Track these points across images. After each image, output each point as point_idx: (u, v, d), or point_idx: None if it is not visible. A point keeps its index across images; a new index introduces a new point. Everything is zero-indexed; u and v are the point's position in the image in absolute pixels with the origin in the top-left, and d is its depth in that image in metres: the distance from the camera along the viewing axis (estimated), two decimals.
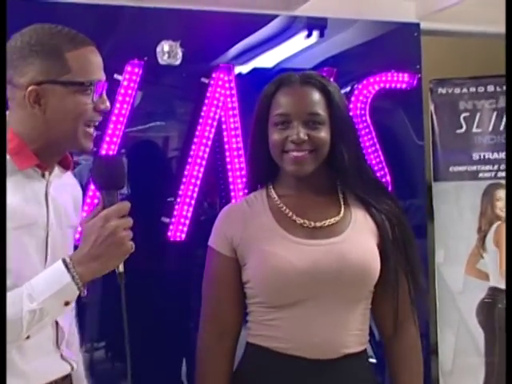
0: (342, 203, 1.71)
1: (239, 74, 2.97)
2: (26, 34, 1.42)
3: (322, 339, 1.62)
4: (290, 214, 1.67)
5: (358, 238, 1.67)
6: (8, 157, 1.39)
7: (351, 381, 1.67)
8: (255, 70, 3.06)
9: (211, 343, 1.72)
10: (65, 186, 1.56)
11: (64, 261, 1.35)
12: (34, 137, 1.42)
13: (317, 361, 1.62)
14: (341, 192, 1.73)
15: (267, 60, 3.10)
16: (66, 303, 1.36)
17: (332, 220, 1.67)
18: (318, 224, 1.66)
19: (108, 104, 1.46)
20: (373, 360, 3.22)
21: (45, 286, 1.34)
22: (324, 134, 1.66)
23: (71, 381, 1.57)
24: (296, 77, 1.69)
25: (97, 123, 1.47)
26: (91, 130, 1.45)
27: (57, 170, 1.50)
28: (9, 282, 1.34)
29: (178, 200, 2.81)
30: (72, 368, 1.55)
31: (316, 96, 1.66)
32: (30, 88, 1.39)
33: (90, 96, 1.42)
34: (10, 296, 1.32)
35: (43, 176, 1.46)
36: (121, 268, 1.40)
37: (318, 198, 1.71)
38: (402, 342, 1.75)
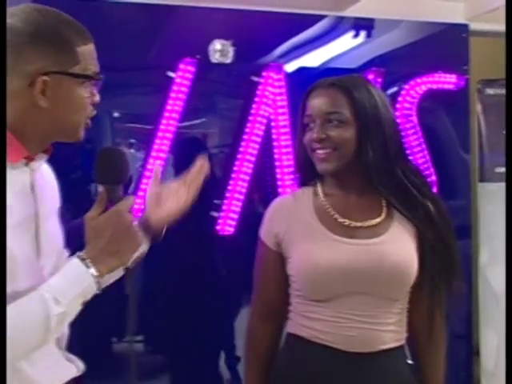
0: (383, 205, 1.74)
1: (288, 73, 3.02)
2: (31, 16, 1.32)
3: (358, 333, 1.66)
4: (333, 212, 1.73)
5: (398, 240, 1.70)
6: None
7: (387, 375, 1.70)
8: (303, 69, 3.11)
9: (257, 326, 1.82)
10: (43, 171, 1.48)
11: (82, 259, 1.31)
12: (28, 129, 1.33)
13: (353, 354, 1.67)
14: (385, 191, 1.74)
15: (315, 59, 3.16)
16: (83, 302, 1.33)
17: (373, 221, 1.71)
18: (359, 224, 1.70)
19: (98, 98, 1.39)
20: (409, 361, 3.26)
21: (67, 287, 1.29)
22: (346, 133, 1.70)
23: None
24: (327, 81, 1.74)
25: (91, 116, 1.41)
26: (88, 121, 1.39)
27: (39, 157, 1.41)
28: (7, 288, 1.25)
29: (228, 195, 2.88)
30: (78, 369, 1.49)
31: (337, 97, 1.70)
32: (41, 78, 1.29)
33: (89, 90, 1.36)
34: (27, 301, 1.26)
35: (26, 165, 1.37)
36: (130, 263, 1.39)
37: (360, 198, 1.75)
38: (436, 341, 1.80)
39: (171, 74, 2.83)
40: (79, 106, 1.34)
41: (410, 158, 2.91)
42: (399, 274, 1.67)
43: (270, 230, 1.78)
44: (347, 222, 1.70)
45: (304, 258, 1.69)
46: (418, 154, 3.10)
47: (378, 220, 1.71)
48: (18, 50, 1.28)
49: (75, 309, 1.31)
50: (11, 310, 1.22)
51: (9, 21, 1.30)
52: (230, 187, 2.89)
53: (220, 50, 2.89)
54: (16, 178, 1.32)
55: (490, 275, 3.43)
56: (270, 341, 1.82)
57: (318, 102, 1.72)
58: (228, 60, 2.91)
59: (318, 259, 1.67)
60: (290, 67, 3.06)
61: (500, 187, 3.41)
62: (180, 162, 2.91)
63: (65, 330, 1.45)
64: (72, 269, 1.31)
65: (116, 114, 2.91)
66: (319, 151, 1.70)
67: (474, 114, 3.34)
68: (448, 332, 3.39)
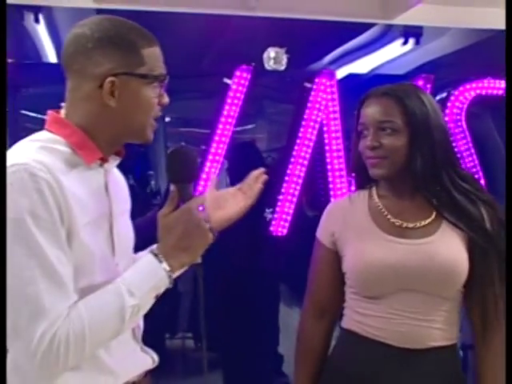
0: (432, 204, 1.78)
1: (339, 79, 3.12)
2: (100, 24, 1.39)
3: (409, 329, 1.72)
4: (386, 213, 1.80)
5: (447, 240, 1.75)
6: (68, 150, 1.37)
7: (436, 372, 1.74)
8: (354, 75, 3.20)
9: (309, 323, 1.91)
10: (115, 173, 1.54)
11: (155, 254, 1.36)
12: (100, 129, 1.39)
13: (404, 349, 1.72)
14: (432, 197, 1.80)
15: (364, 66, 3.25)
16: (156, 296, 1.37)
17: (423, 222, 1.77)
18: (411, 225, 1.76)
19: (168, 99, 1.44)
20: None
21: (141, 280, 1.35)
22: (397, 141, 1.75)
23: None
24: (379, 90, 1.79)
25: (158, 117, 1.46)
26: (155, 123, 1.43)
27: (112, 159, 1.48)
28: (85, 281, 1.33)
29: (281, 197, 2.97)
30: (153, 361, 1.54)
31: (390, 105, 1.75)
32: (109, 79, 1.35)
33: (157, 91, 1.41)
34: (104, 293, 1.32)
35: (101, 166, 1.43)
36: (199, 259, 1.42)
37: (412, 201, 1.80)
38: (492, 341, 1.81)
39: (227, 81, 2.93)
40: (146, 105, 1.39)
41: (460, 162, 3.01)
42: (448, 272, 1.71)
43: (326, 229, 1.87)
44: (399, 222, 1.77)
45: (357, 256, 1.77)
46: (467, 158, 3.16)
47: (428, 221, 1.77)
48: (87, 55, 1.36)
49: (149, 301, 1.36)
50: (88, 302, 1.29)
51: (79, 30, 1.38)
52: (283, 190, 2.98)
53: (274, 58, 2.98)
54: (92, 178, 1.39)
55: None
56: (321, 338, 1.90)
57: (371, 111, 1.77)
58: (282, 67, 3.00)
59: (371, 257, 1.74)
60: (341, 73, 3.15)
61: None
62: (235, 165, 3.02)
63: (140, 323, 1.52)
64: (146, 263, 1.36)
65: (171, 119, 3.03)
66: (371, 159, 1.77)
67: None
68: None
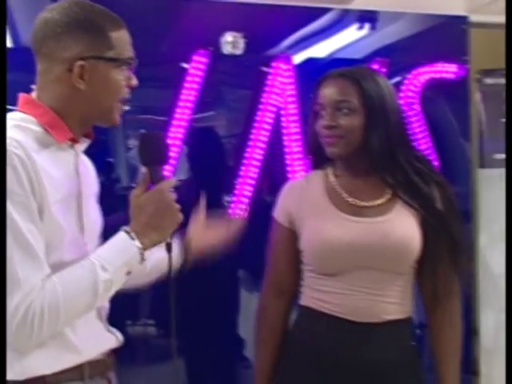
0: (388, 185, 1.84)
1: (296, 63, 3.13)
2: (68, 8, 1.42)
3: (366, 304, 1.79)
4: (342, 192, 1.85)
5: (401, 218, 1.81)
6: (40, 129, 1.40)
7: (392, 344, 1.82)
8: (311, 60, 3.21)
9: (268, 303, 1.97)
10: (84, 156, 1.59)
11: (127, 232, 1.41)
12: (70, 111, 1.43)
13: (362, 323, 1.79)
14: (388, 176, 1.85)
15: (322, 50, 3.26)
16: (128, 272, 1.43)
17: (379, 201, 1.83)
18: (366, 204, 1.83)
19: (136, 81, 1.49)
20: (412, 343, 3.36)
21: (114, 256, 1.39)
22: (354, 120, 1.80)
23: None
24: (336, 71, 1.87)
25: (126, 100, 1.51)
26: (123, 106, 1.49)
27: (82, 141, 1.52)
28: (54, 257, 1.36)
29: (240, 180, 2.99)
30: (117, 340, 1.58)
31: (347, 86, 1.82)
32: (78, 62, 1.39)
33: (125, 73, 1.46)
34: (78, 267, 1.36)
35: (71, 147, 1.47)
36: (169, 239, 1.49)
37: (367, 180, 1.86)
38: (442, 315, 1.91)
39: (185, 65, 2.93)
40: (115, 88, 1.44)
41: (415, 144, 3.05)
42: (403, 249, 1.79)
43: (283, 208, 1.92)
44: (355, 201, 1.83)
45: (314, 235, 1.83)
46: (421, 140, 3.20)
47: (383, 200, 1.84)
48: (56, 39, 1.40)
49: (121, 278, 1.42)
50: (62, 276, 1.33)
51: (48, 15, 1.42)
52: (241, 173, 3.00)
53: (231, 42, 2.99)
54: (63, 158, 1.45)
55: (489, 257, 3.55)
56: (281, 317, 1.96)
57: (328, 91, 1.83)
58: (239, 51, 3.01)
59: (327, 235, 1.80)
60: (298, 58, 3.17)
61: (499, 173, 3.51)
62: (193, 152, 3.03)
63: (105, 303, 1.56)
64: (118, 240, 1.42)
65: (129, 107, 3.01)
66: (328, 139, 1.83)
67: (473, 102, 3.44)
68: None
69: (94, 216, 1.55)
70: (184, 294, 3.05)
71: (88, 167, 1.60)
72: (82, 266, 1.37)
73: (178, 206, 1.45)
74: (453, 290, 1.89)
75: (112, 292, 1.42)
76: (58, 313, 1.30)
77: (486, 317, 3.57)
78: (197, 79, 2.92)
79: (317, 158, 1.95)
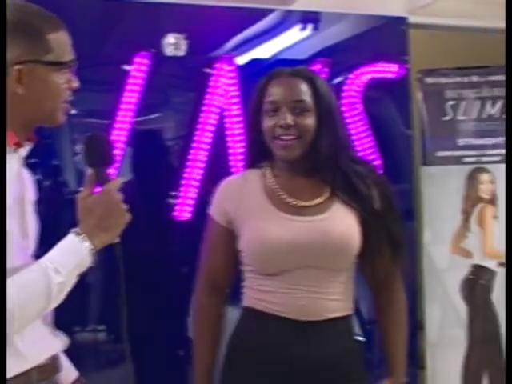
0: (327, 185, 1.84)
1: (239, 64, 3.14)
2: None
3: (308, 303, 1.78)
4: (281, 192, 1.83)
5: (341, 216, 1.81)
6: None
7: (335, 341, 1.82)
8: (254, 61, 3.23)
9: (203, 299, 1.94)
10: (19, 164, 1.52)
11: (77, 234, 1.39)
12: (12, 116, 1.38)
13: (304, 322, 1.78)
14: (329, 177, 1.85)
15: (265, 51, 3.28)
16: (79, 274, 1.41)
17: (317, 200, 1.82)
18: (305, 203, 1.81)
19: (77, 83, 1.46)
20: (361, 338, 3.38)
21: (65, 259, 1.37)
22: (309, 120, 1.79)
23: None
24: (286, 70, 1.85)
25: (69, 101, 1.48)
26: (67, 105, 1.46)
27: (26, 144, 1.47)
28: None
29: (184, 182, 2.99)
30: (63, 343, 1.55)
31: (302, 86, 1.80)
32: (15, 67, 1.36)
33: (66, 75, 1.43)
34: (29, 272, 1.33)
35: (15, 151, 1.43)
36: (118, 239, 1.47)
37: (307, 179, 1.84)
38: (386, 303, 1.93)
39: (126, 68, 2.91)
40: (55, 91, 1.41)
41: (356, 144, 3.10)
42: (343, 247, 1.78)
43: (221, 207, 1.88)
44: (295, 201, 1.81)
45: (254, 235, 1.81)
46: (365, 139, 3.23)
47: (322, 199, 1.82)
48: None
49: (72, 280, 1.39)
50: (14, 281, 1.30)
51: None
52: (186, 175, 2.99)
53: (173, 44, 2.98)
54: (8, 161, 1.37)
55: (433, 253, 3.59)
56: (216, 312, 1.94)
57: (283, 90, 1.80)
58: (181, 53, 3.00)
59: (268, 235, 1.77)
60: (242, 59, 3.18)
61: (441, 170, 3.56)
62: (138, 154, 3.02)
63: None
64: (69, 243, 1.39)
65: (74, 110, 2.97)
66: (284, 137, 1.78)
67: (415, 101, 3.49)
68: None
69: (33, 221, 1.52)
70: (130, 296, 3.06)
71: (27, 174, 1.55)
72: (34, 270, 1.35)
73: (125, 206, 1.44)
74: (394, 281, 1.91)
75: (64, 294, 1.40)
76: (13, 318, 1.28)
77: (430, 312, 3.61)
78: (139, 81, 2.91)
79: (255, 157, 1.93)
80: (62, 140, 2.94)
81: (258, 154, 1.90)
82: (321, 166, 1.82)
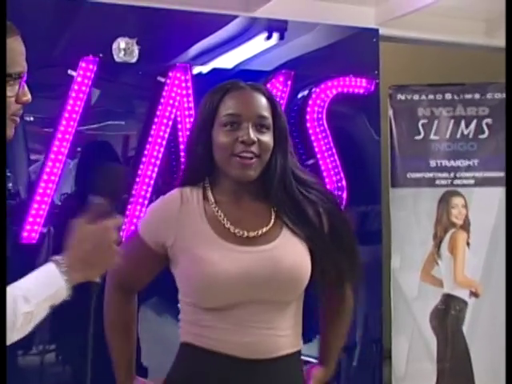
0: (273, 212, 1.71)
1: (197, 74, 2.96)
2: None
3: (255, 340, 1.64)
4: (225, 221, 1.68)
5: (289, 244, 1.69)
6: None
7: (284, 380, 1.69)
8: (213, 71, 3.04)
9: (114, 299, 1.78)
10: None
11: (58, 264, 1.32)
12: None
13: (249, 360, 1.64)
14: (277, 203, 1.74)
15: (226, 61, 3.10)
16: (51, 306, 1.33)
17: (264, 229, 1.68)
18: (252, 234, 1.68)
19: (29, 97, 1.34)
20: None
21: (38, 288, 1.31)
22: (268, 138, 1.68)
23: None
24: (244, 83, 1.72)
25: (19, 114, 1.38)
26: (16, 119, 1.35)
27: None
28: None
29: (132, 200, 2.77)
30: None
31: (264, 101, 1.70)
32: None
33: (14, 88, 1.31)
34: None
35: None
36: (98, 279, 1.42)
37: (253, 205, 1.72)
38: (333, 315, 1.85)
39: (72, 73, 2.70)
40: None
41: (320, 163, 2.93)
42: (293, 277, 1.66)
43: (153, 230, 1.70)
44: (240, 232, 1.67)
45: (196, 268, 1.64)
46: (328, 158, 3.08)
47: (269, 227, 1.69)
48: None
49: (43, 311, 1.31)
50: None
51: None
52: (134, 192, 2.77)
53: (124, 49, 2.78)
54: None
55: (402, 281, 3.45)
56: (124, 301, 1.79)
57: (245, 103, 1.67)
58: (133, 59, 2.81)
59: (211, 269, 1.62)
60: (200, 69, 3.00)
61: (412, 193, 3.45)
62: (82, 167, 2.79)
63: None
64: (46, 272, 1.32)
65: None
66: (245, 154, 1.64)
67: (385, 118, 3.34)
68: (360, 336, 3.41)
69: None
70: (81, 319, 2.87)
71: None
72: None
73: (117, 248, 1.38)
74: (342, 302, 1.83)
75: (32, 325, 1.32)
76: None
77: (398, 342, 3.46)
78: (84, 88, 2.69)
79: (196, 173, 1.74)
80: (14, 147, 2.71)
81: (200, 171, 1.73)
82: (272, 189, 1.69)
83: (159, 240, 1.69)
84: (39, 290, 1.30)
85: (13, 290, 1.27)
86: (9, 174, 2.77)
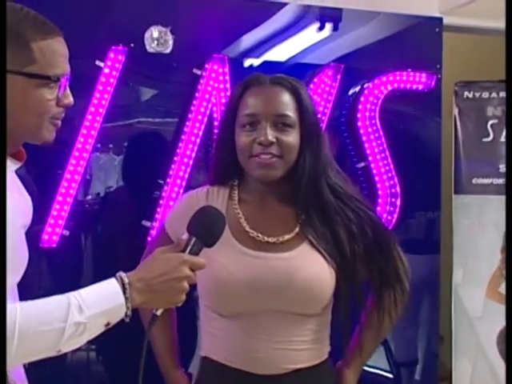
0: (299, 218, 1.66)
1: (236, 67, 2.74)
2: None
3: (266, 355, 1.61)
4: (245, 224, 1.65)
5: (308, 256, 1.63)
6: None
7: None
8: (263, 63, 2.84)
9: None
10: (16, 181, 1.44)
11: (121, 280, 1.30)
12: None
13: (265, 376, 1.61)
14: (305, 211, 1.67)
15: (273, 53, 2.88)
16: (107, 324, 1.30)
17: (286, 237, 1.64)
18: (271, 239, 1.64)
19: (72, 99, 1.35)
20: (389, 375, 3.00)
21: (95, 300, 1.28)
22: (292, 138, 1.62)
23: None
24: (265, 77, 1.68)
25: (61, 117, 1.37)
26: (57, 122, 1.35)
27: (9, 161, 1.36)
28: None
29: (161, 202, 2.59)
30: None
31: (286, 97, 1.64)
32: None
33: (54, 91, 1.31)
34: (50, 301, 1.26)
35: None
36: (159, 312, 1.37)
37: (278, 209, 1.67)
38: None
39: (100, 64, 2.53)
40: (37, 108, 1.30)
41: (372, 166, 2.69)
42: (309, 291, 1.60)
43: (175, 228, 1.69)
44: (259, 236, 1.64)
45: (208, 270, 1.53)
46: (381, 161, 2.84)
47: (290, 235, 1.64)
48: None
49: (97, 327, 1.28)
50: (27, 305, 1.24)
51: None
52: (164, 194, 2.59)
53: (157, 39, 2.60)
54: None
55: (465, 297, 3.18)
56: None
57: (264, 102, 1.62)
58: (167, 50, 2.62)
59: (219, 272, 1.60)
60: (240, 61, 2.78)
61: (477, 200, 3.17)
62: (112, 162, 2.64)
63: None
64: (107, 285, 1.30)
65: None
66: (264, 156, 1.60)
67: (447, 118, 3.07)
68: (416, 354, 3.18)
69: (15, 248, 1.36)
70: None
71: (18, 193, 1.42)
72: (56, 300, 1.26)
73: (187, 288, 1.35)
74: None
75: (83, 340, 1.29)
76: (11, 343, 1.20)
77: (460, 365, 3.19)
78: (111, 80, 2.51)
79: (224, 174, 1.73)
80: None
81: (228, 171, 1.71)
82: (300, 191, 1.64)
83: (178, 233, 1.59)
84: (96, 303, 1.28)
85: (68, 297, 1.26)
86: None
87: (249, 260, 1.61)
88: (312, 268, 1.62)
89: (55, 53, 1.31)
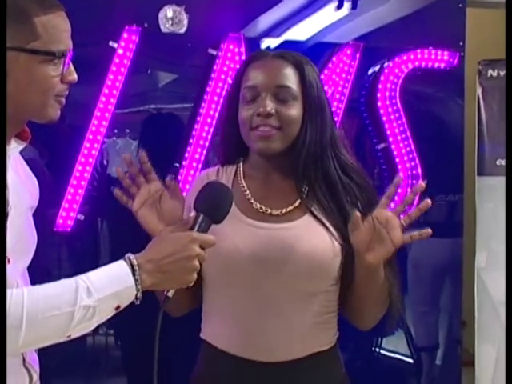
0: (303, 190, 1.64)
1: (250, 46, 2.66)
2: None
3: (266, 340, 1.57)
4: (250, 196, 1.65)
5: (312, 227, 1.61)
6: None
7: (314, 381, 1.62)
8: (283, 43, 2.79)
9: None
10: (22, 162, 1.43)
11: (130, 262, 1.28)
12: None
13: (269, 364, 1.57)
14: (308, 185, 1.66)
15: (294, 32, 2.83)
16: (117, 307, 1.29)
17: (289, 208, 1.63)
18: (275, 212, 1.63)
19: (75, 76, 1.33)
20: (410, 360, 2.94)
21: (105, 283, 1.27)
22: (294, 111, 1.60)
23: None
24: (268, 52, 1.68)
25: (65, 95, 1.35)
26: (61, 99, 1.33)
27: (14, 142, 1.35)
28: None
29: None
30: (30, 380, 1.40)
31: (287, 69, 1.62)
32: None
33: (59, 67, 1.29)
34: (58, 284, 1.25)
35: None
36: (171, 293, 1.36)
37: (281, 182, 1.66)
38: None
39: (113, 45, 2.49)
40: (42, 85, 1.28)
41: (392, 148, 2.64)
42: (312, 259, 1.57)
43: (188, 200, 1.64)
44: (263, 208, 1.63)
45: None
46: (402, 142, 2.79)
47: (293, 206, 1.63)
48: None
49: (107, 310, 1.27)
50: (36, 289, 1.23)
51: None
52: (180, 177, 2.56)
53: (172, 18, 2.55)
54: None
55: (488, 281, 3.13)
56: None
57: (264, 74, 1.61)
58: (181, 30, 2.58)
59: (221, 241, 1.52)
60: (255, 40, 2.72)
61: (501, 182, 3.09)
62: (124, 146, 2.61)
63: None
64: (116, 268, 1.29)
65: None
66: (263, 128, 1.58)
67: (470, 98, 2.99)
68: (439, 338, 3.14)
69: (23, 228, 1.37)
70: None
71: (25, 174, 1.42)
72: (64, 283, 1.25)
73: (198, 267, 1.33)
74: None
75: (93, 324, 1.27)
76: (20, 329, 1.19)
77: (483, 350, 3.14)
78: (125, 61, 2.47)
79: (231, 151, 1.72)
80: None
81: (234, 149, 1.70)
82: (299, 164, 1.62)
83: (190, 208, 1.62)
84: (105, 286, 1.26)
85: (77, 280, 1.25)
86: None
87: (252, 230, 1.61)
88: (314, 238, 1.60)
89: (58, 28, 1.29)
